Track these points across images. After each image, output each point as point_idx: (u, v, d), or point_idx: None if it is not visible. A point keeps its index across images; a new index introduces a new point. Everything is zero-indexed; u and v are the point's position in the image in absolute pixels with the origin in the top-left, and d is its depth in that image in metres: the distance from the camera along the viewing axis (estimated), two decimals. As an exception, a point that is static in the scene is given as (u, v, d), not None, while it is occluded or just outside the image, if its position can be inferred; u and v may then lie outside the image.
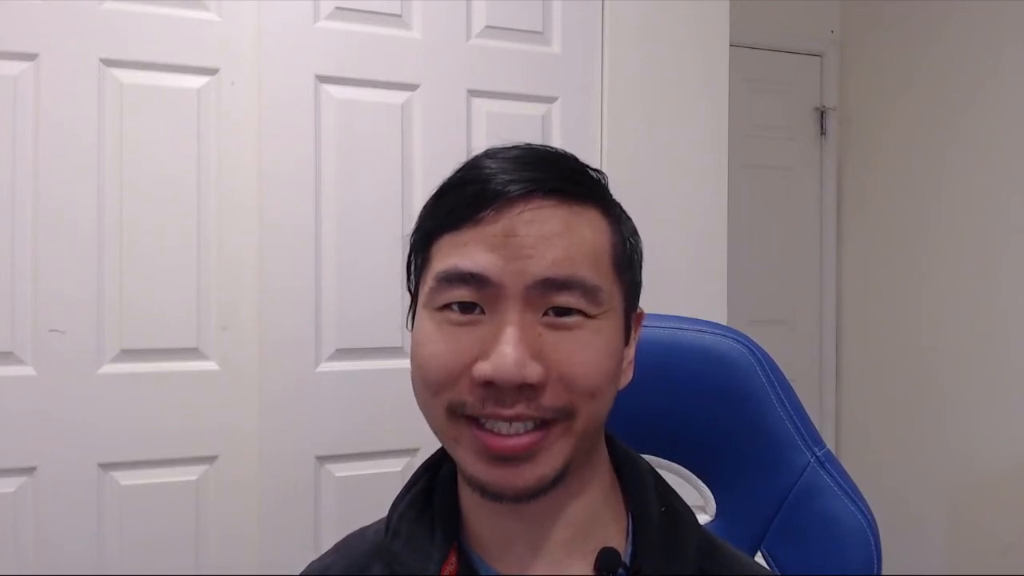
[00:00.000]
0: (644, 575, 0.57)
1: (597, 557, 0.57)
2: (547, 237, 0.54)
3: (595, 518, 0.60)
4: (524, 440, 0.53)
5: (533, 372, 0.52)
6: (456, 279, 0.54)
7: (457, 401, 0.54)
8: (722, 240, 1.82)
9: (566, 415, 0.54)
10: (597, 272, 0.55)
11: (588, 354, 0.54)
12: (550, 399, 0.53)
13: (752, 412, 0.84)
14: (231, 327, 1.51)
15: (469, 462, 0.55)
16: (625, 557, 0.59)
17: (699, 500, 0.86)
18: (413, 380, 0.57)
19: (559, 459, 0.54)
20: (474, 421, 0.54)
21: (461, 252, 0.54)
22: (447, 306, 0.55)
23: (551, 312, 0.54)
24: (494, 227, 0.54)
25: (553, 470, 0.54)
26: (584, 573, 0.58)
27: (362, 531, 0.68)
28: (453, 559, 0.59)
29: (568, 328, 0.54)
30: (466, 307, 0.54)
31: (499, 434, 0.53)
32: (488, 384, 0.52)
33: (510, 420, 0.53)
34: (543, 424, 0.54)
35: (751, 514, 0.84)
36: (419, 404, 0.57)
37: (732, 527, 0.85)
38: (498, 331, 0.53)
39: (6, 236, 1.38)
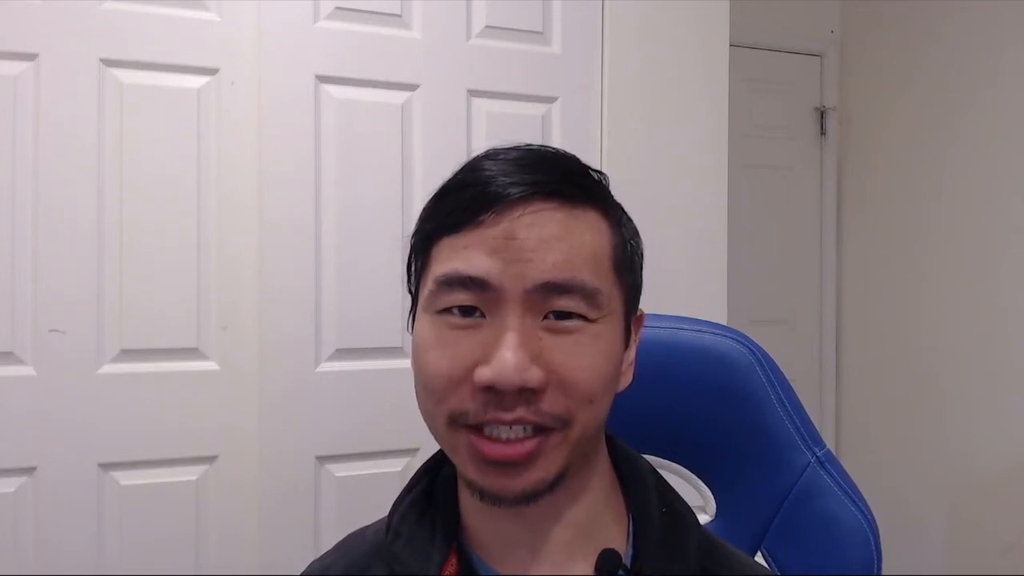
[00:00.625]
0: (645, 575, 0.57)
1: (598, 558, 0.57)
2: (547, 240, 0.54)
3: (596, 519, 0.60)
4: (521, 449, 0.53)
5: (534, 376, 0.52)
6: (456, 283, 0.54)
7: (459, 411, 0.54)
8: (722, 240, 1.82)
9: (563, 423, 0.54)
10: (597, 275, 0.55)
11: (587, 359, 0.54)
12: (548, 404, 0.53)
13: (752, 412, 0.84)
14: (231, 327, 1.51)
15: (468, 468, 0.55)
16: (626, 558, 0.59)
17: (699, 500, 0.86)
18: (416, 386, 0.57)
19: (556, 464, 0.54)
20: (474, 428, 0.54)
21: (461, 255, 0.54)
22: (447, 310, 0.55)
23: (551, 316, 0.54)
24: (494, 230, 0.54)
25: (551, 474, 0.54)
26: (585, 574, 0.58)
27: (362, 531, 0.68)
28: (453, 560, 0.59)
29: (568, 332, 0.54)
30: (466, 310, 0.54)
31: (497, 440, 0.53)
32: (489, 389, 0.52)
33: (510, 424, 0.53)
34: (540, 430, 0.54)
35: (751, 514, 0.84)
36: (421, 410, 0.57)
37: (732, 527, 0.85)
38: (498, 335, 0.53)
39: (6, 236, 1.38)
